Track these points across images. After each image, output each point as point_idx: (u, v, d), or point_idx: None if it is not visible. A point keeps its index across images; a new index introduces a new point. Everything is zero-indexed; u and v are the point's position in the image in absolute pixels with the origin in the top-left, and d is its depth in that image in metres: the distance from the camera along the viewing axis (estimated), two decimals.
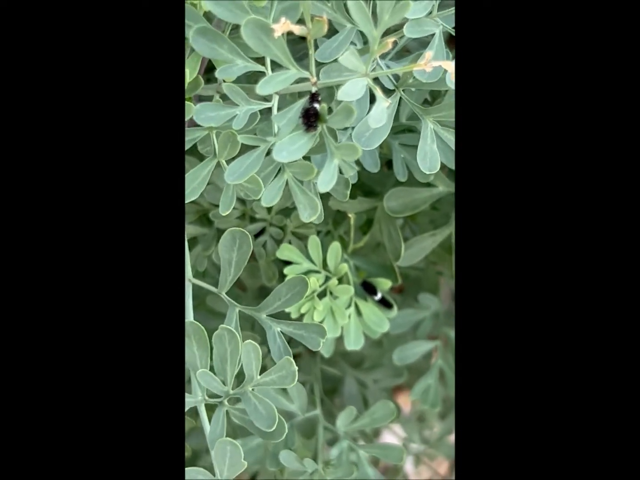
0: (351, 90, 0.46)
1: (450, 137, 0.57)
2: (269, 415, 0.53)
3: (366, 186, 0.74)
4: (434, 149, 0.57)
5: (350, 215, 0.72)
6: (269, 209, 0.73)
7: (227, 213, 0.55)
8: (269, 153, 0.53)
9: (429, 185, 0.69)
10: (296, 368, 0.53)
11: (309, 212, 0.52)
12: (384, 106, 0.47)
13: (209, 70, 0.60)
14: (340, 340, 0.75)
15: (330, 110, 0.52)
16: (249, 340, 0.54)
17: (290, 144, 0.48)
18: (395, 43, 0.47)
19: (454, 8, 0.57)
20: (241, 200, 0.72)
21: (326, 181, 0.48)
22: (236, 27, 0.54)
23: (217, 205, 0.73)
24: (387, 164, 0.72)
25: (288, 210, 0.73)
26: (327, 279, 0.71)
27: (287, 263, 0.71)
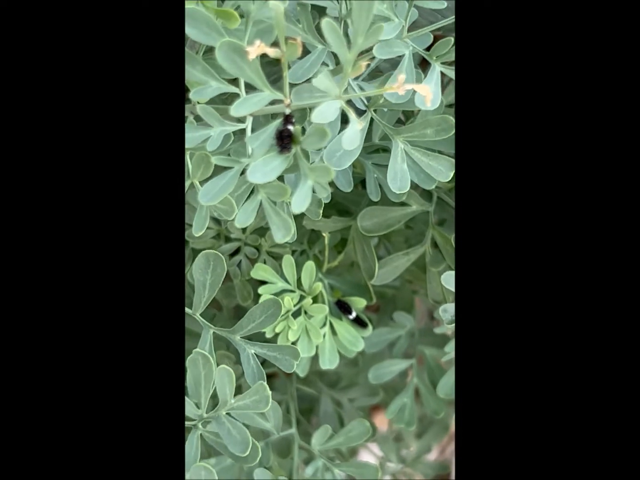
0: (325, 112, 0.47)
1: (420, 157, 0.58)
2: (242, 440, 0.53)
3: (340, 205, 0.75)
4: (404, 169, 0.57)
5: (324, 234, 0.72)
6: (244, 229, 0.73)
7: (201, 234, 0.55)
8: (242, 174, 0.53)
9: (402, 204, 0.69)
10: (269, 393, 0.54)
11: (283, 233, 0.52)
12: (357, 128, 0.48)
13: None
14: (315, 359, 0.75)
15: (303, 130, 0.52)
16: (223, 365, 0.54)
17: (264, 165, 0.48)
18: (368, 65, 0.48)
19: (423, 29, 0.57)
20: (216, 220, 0.72)
21: (300, 202, 0.48)
22: (210, 49, 0.55)
23: (192, 225, 0.74)
24: (361, 183, 0.72)
25: (263, 229, 0.73)
26: (301, 298, 0.71)
27: (263, 282, 0.71)
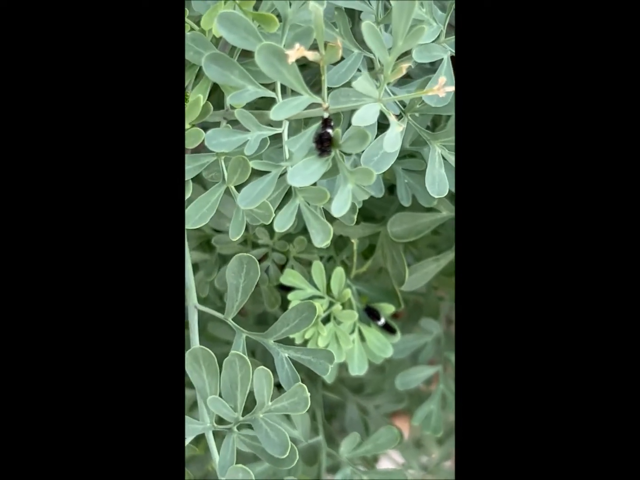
0: (365, 115, 0.47)
1: None
2: (281, 442, 0.53)
3: (368, 211, 0.75)
4: (442, 173, 0.57)
5: (353, 240, 0.72)
6: (272, 235, 0.73)
7: (237, 238, 0.55)
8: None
9: (431, 209, 0.69)
10: (308, 394, 0.53)
11: (322, 237, 0.52)
12: (397, 131, 0.48)
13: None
14: (341, 366, 0.75)
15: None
16: (262, 367, 0.53)
17: (304, 169, 0.48)
18: (409, 67, 0.48)
19: None
20: None
21: (340, 206, 0.48)
22: (244, 53, 0.55)
23: (219, 231, 0.74)
24: (389, 189, 0.72)
25: (290, 235, 0.73)
26: (330, 304, 0.71)
27: (287, 289, 0.71)
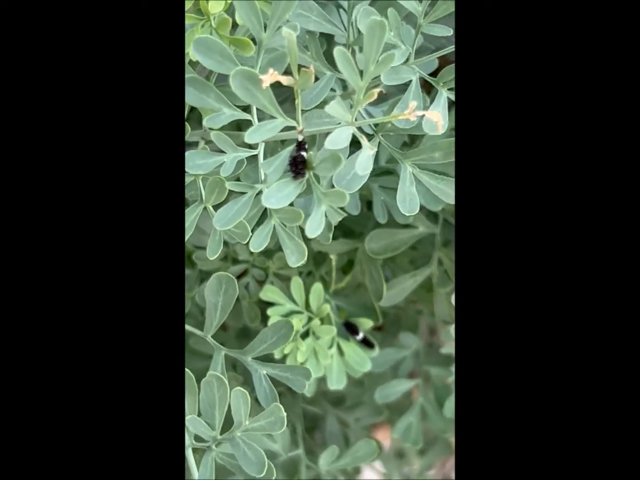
0: (338, 139, 0.48)
1: (428, 180, 0.59)
2: (258, 461, 0.54)
3: (346, 227, 0.76)
4: (413, 192, 0.58)
5: (331, 256, 0.73)
6: (251, 251, 0.74)
7: (215, 257, 0.56)
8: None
9: (409, 226, 0.70)
10: (284, 414, 0.54)
11: (297, 257, 0.53)
12: (369, 154, 0.49)
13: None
14: (322, 379, 0.75)
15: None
16: (238, 388, 0.54)
17: (278, 191, 0.49)
18: (380, 93, 0.49)
19: (429, 56, 0.58)
20: (224, 242, 0.73)
21: (314, 227, 0.49)
22: (220, 76, 0.56)
23: (200, 247, 0.75)
24: (367, 205, 0.73)
25: (270, 251, 0.73)
26: (309, 319, 0.71)
27: (268, 304, 0.72)
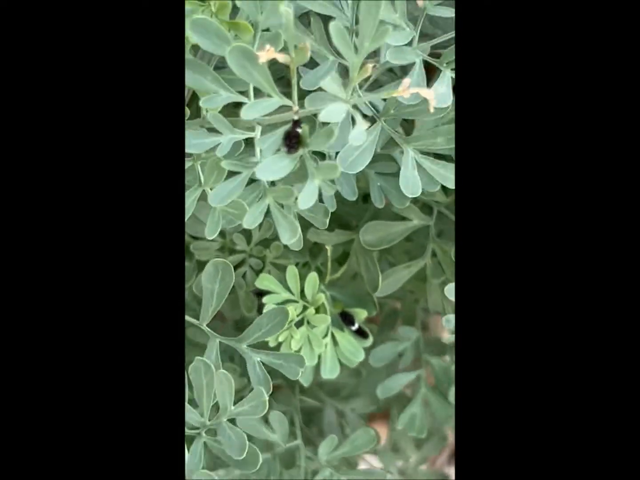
0: (333, 112, 0.48)
1: (428, 164, 0.60)
2: (240, 445, 0.54)
3: (342, 219, 0.76)
4: (415, 175, 0.59)
5: (327, 247, 0.73)
6: (249, 241, 0.74)
7: (212, 238, 0.57)
8: (251, 182, 0.55)
9: (403, 218, 0.71)
10: (266, 398, 0.55)
11: (290, 235, 0.53)
12: (362, 128, 0.49)
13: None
14: (318, 370, 0.76)
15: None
16: (222, 371, 0.55)
17: (272, 164, 0.50)
18: (375, 67, 0.49)
19: (434, 40, 0.59)
20: (221, 233, 0.74)
21: (307, 200, 0.49)
22: (220, 63, 0.56)
23: (197, 238, 0.75)
24: (363, 197, 0.74)
25: (267, 241, 0.74)
26: (304, 308, 0.72)
27: (265, 295, 0.72)
